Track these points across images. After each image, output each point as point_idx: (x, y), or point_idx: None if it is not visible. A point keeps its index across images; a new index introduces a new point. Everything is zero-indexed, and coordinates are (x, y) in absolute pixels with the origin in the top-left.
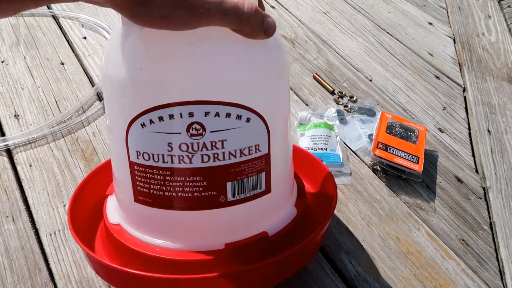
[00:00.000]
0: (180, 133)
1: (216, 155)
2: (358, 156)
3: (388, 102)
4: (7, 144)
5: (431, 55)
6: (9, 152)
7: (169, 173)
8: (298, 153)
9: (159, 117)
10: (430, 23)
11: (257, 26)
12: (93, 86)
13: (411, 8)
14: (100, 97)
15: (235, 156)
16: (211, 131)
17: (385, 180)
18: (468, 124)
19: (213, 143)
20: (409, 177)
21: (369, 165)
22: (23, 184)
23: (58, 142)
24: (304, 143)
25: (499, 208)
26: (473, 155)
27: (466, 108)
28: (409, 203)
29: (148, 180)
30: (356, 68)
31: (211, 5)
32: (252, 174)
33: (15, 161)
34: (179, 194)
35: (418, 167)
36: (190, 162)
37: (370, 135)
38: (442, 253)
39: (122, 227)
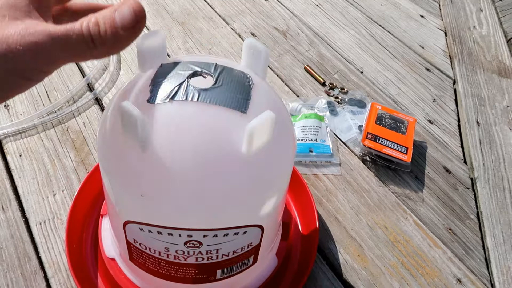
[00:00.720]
0: (177, 244)
1: (210, 257)
2: (348, 147)
3: (379, 94)
4: None
5: (422, 47)
6: None
7: (164, 262)
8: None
9: (158, 231)
10: (422, 16)
11: (111, 34)
12: (83, 77)
13: (403, 1)
14: (90, 88)
15: (227, 255)
16: (208, 245)
17: (374, 170)
18: (458, 115)
19: (208, 251)
20: (398, 167)
21: (359, 155)
22: (13, 173)
23: (48, 132)
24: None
25: (486, 198)
26: (462, 146)
27: (456, 100)
28: (398, 193)
29: (143, 258)
30: (348, 60)
31: (46, 46)
32: (241, 260)
33: (5, 151)
34: (172, 273)
35: (407, 158)
36: (185, 260)
37: (360, 126)
38: (429, 241)
39: (117, 263)
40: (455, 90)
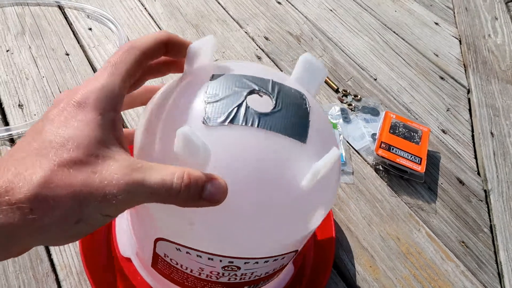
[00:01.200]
0: (214, 267)
1: (242, 278)
2: (361, 155)
3: (392, 102)
4: (11, 134)
5: (437, 55)
6: (12, 142)
7: (193, 278)
8: None
9: (197, 255)
10: (437, 23)
11: (194, 197)
12: None
13: (417, 7)
14: None
15: (259, 276)
16: (246, 269)
17: (387, 180)
18: (472, 126)
19: (243, 274)
20: (411, 178)
21: (372, 164)
22: None
23: None
24: None
25: (500, 211)
26: (476, 157)
27: (470, 110)
28: (410, 204)
29: (170, 269)
30: (361, 66)
31: (122, 193)
32: (270, 278)
33: None
34: (198, 287)
35: (421, 168)
36: (217, 279)
37: (373, 135)
38: (441, 254)
39: (133, 263)
40: (469, 100)
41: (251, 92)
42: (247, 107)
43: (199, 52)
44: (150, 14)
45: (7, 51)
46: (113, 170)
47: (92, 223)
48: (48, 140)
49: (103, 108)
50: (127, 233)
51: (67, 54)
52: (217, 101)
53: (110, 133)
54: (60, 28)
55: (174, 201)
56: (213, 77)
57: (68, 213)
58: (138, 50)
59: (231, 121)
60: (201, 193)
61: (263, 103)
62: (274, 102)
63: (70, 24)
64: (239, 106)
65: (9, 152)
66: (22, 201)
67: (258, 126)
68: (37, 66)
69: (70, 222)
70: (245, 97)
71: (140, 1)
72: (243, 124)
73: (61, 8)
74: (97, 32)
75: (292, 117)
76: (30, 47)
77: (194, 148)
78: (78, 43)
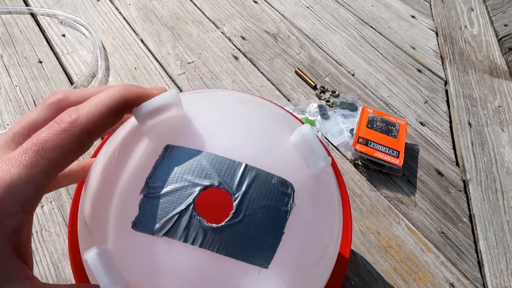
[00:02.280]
0: None
1: None
2: (340, 151)
3: (370, 96)
4: None
5: (414, 48)
6: None
7: None
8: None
9: None
10: (413, 17)
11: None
12: (71, 84)
13: (394, 1)
14: None
15: None
16: None
17: (366, 174)
18: (450, 117)
19: None
20: (390, 172)
21: (350, 160)
22: None
23: None
24: None
25: (479, 200)
26: (454, 148)
27: (447, 101)
28: (390, 197)
29: None
30: (339, 62)
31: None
32: None
33: None
34: None
35: (398, 161)
36: None
37: (351, 130)
38: (421, 246)
39: None
40: (446, 91)
41: (207, 187)
42: (191, 216)
43: (158, 108)
44: (124, 18)
45: None
46: None
47: None
48: None
49: (5, 212)
50: None
51: (40, 62)
52: (158, 197)
53: (8, 245)
54: (32, 35)
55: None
56: (165, 152)
57: None
58: (81, 129)
59: (167, 233)
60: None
61: (220, 205)
62: (236, 206)
63: (42, 31)
64: (182, 212)
65: None
66: None
67: (201, 245)
68: (9, 75)
69: None
70: (195, 197)
71: (114, 5)
72: (182, 240)
73: (33, 15)
74: (70, 38)
75: (257, 229)
76: (1, 56)
77: (100, 276)
78: (52, 50)
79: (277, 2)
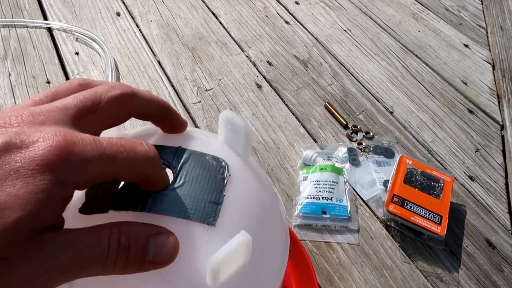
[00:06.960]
0: None
1: None
2: (370, 208)
3: (410, 140)
4: None
5: (465, 83)
6: None
7: None
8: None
9: None
10: (466, 45)
11: (134, 262)
12: None
13: (444, 27)
14: None
15: None
16: None
17: (399, 240)
18: (505, 171)
19: None
20: (428, 242)
21: (382, 219)
22: None
23: None
24: (306, 190)
25: None
26: (510, 213)
27: (503, 151)
28: (427, 272)
29: None
30: (376, 97)
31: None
32: None
33: None
34: None
35: (441, 230)
36: None
37: (385, 182)
38: None
39: None
40: (503, 138)
41: None
42: (131, 187)
43: None
44: (144, 36)
45: None
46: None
47: None
48: None
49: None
50: None
51: (48, 82)
52: (101, 183)
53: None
54: (45, 52)
55: (111, 272)
56: None
57: None
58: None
59: (110, 207)
60: (143, 255)
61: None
62: (175, 175)
63: (56, 48)
64: (124, 187)
65: None
66: None
67: (145, 210)
68: (13, 96)
69: None
70: None
71: (135, 21)
72: (127, 209)
73: (49, 29)
74: (83, 56)
75: (198, 193)
76: (10, 73)
77: None
78: (63, 69)
79: (311, 23)
